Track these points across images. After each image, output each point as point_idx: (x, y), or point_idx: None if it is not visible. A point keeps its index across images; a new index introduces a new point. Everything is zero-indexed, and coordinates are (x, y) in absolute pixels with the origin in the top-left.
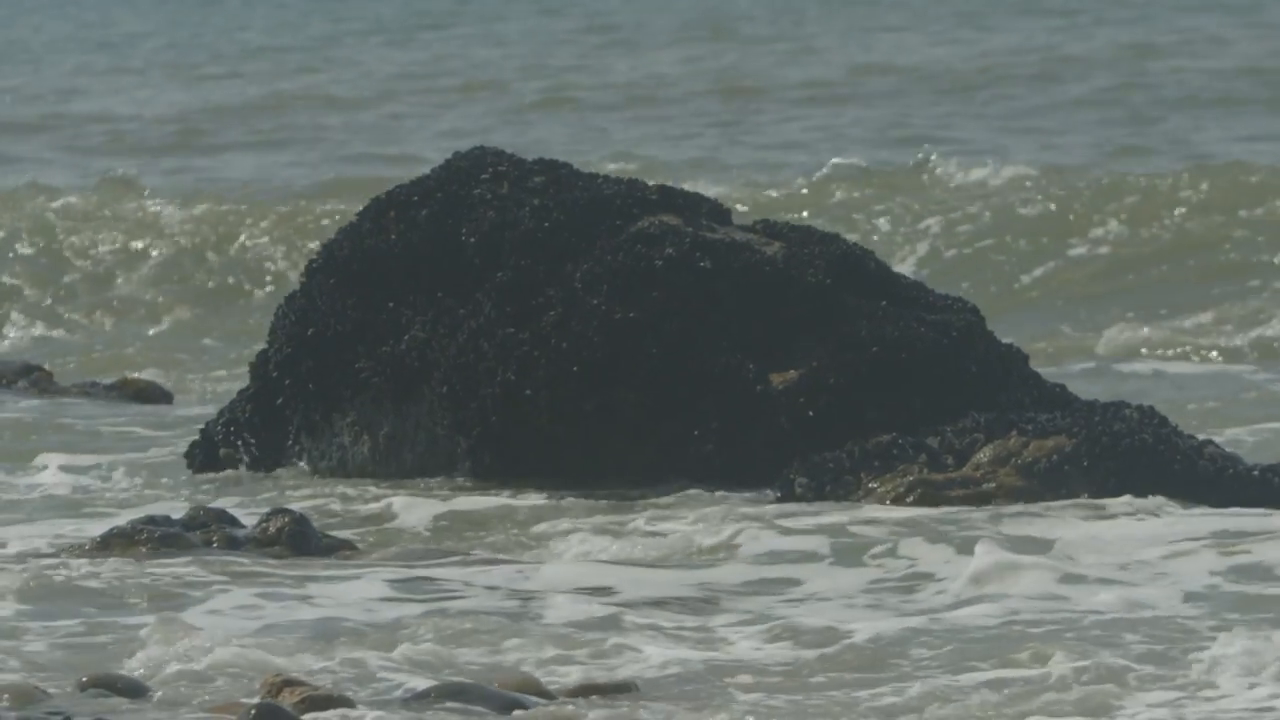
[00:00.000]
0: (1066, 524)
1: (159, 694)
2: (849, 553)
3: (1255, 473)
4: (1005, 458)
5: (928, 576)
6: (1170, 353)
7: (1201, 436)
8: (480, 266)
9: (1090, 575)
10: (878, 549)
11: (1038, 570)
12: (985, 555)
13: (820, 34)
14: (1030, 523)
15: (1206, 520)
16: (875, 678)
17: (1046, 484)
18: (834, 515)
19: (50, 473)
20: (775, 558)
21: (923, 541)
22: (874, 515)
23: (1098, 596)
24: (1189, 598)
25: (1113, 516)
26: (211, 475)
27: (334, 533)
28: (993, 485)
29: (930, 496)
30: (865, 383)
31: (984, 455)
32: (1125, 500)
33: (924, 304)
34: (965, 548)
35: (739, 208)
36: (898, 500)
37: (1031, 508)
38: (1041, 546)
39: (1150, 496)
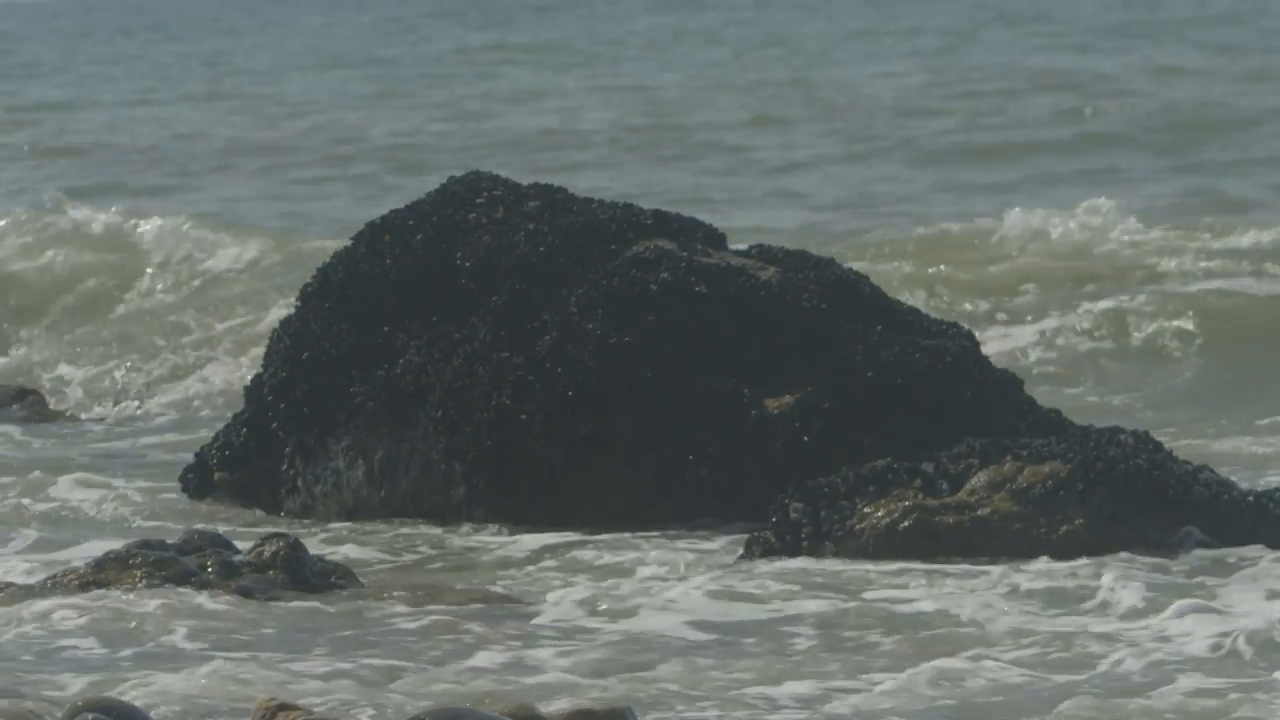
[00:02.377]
0: None
1: (156, 717)
2: None
3: (1250, 499)
4: (1000, 483)
5: None
6: None
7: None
8: (475, 291)
9: None
10: None
11: None
12: None
13: None
14: None
15: None
16: None
17: (1041, 509)
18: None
19: (43, 496)
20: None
21: None
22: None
23: None
24: None
25: None
26: (206, 498)
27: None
28: (987, 510)
29: (925, 522)
30: (860, 408)
31: (979, 480)
32: None
33: (919, 329)
34: None
35: None
36: (893, 526)
37: None
38: None
39: None
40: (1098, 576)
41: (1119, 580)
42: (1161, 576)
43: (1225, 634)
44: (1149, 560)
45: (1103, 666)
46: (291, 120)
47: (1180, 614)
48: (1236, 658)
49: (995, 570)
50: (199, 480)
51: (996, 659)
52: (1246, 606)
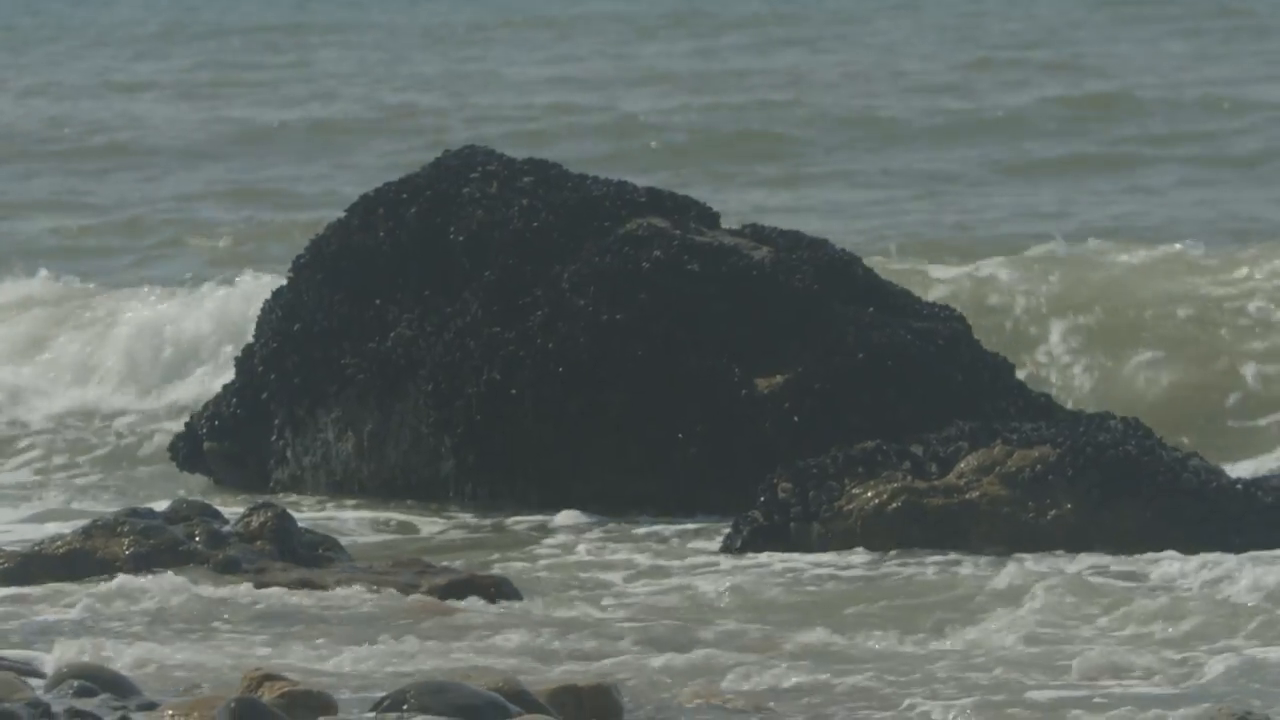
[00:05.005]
0: None
1: (142, 687)
2: None
3: (1239, 486)
4: (989, 466)
5: None
6: None
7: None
8: (468, 265)
9: None
10: None
11: None
12: None
13: None
14: None
15: None
16: None
17: (1030, 493)
18: None
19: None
20: None
21: None
22: None
23: None
24: None
25: None
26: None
27: None
28: (976, 494)
29: (913, 505)
30: (850, 389)
31: (968, 464)
32: None
33: (911, 311)
34: None
35: None
36: (881, 508)
37: None
38: None
39: None
40: None
41: None
42: None
43: None
44: None
45: None
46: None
47: None
48: None
49: None
50: (188, 450)
51: None
52: None
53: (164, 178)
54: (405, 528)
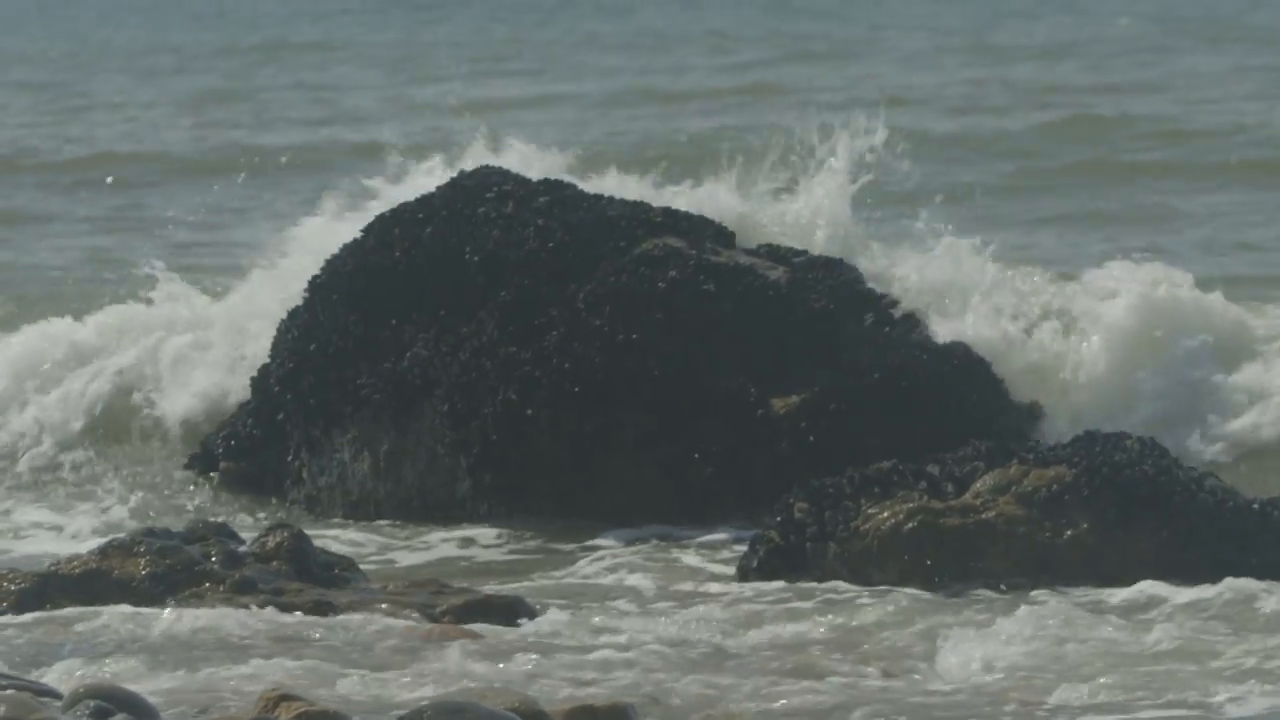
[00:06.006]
0: None
1: (159, 707)
2: None
3: (1255, 506)
4: (1005, 486)
5: None
6: None
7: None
8: (483, 285)
9: None
10: None
11: None
12: None
13: None
14: None
15: None
16: None
17: (1046, 513)
18: None
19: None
20: None
21: None
22: None
23: None
24: None
25: None
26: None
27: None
28: (992, 514)
29: (929, 525)
30: (866, 409)
31: (984, 484)
32: None
33: (927, 331)
34: None
35: None
36: (897, 528)
37: None
38: None
39: None
40: None
41: None
42: None
43: None
44: None
45: None
46: None
47: None
48: None
49: None
50: (203, 470)
51: None
52: None
53: (163, 195)
54: (421, 548)
